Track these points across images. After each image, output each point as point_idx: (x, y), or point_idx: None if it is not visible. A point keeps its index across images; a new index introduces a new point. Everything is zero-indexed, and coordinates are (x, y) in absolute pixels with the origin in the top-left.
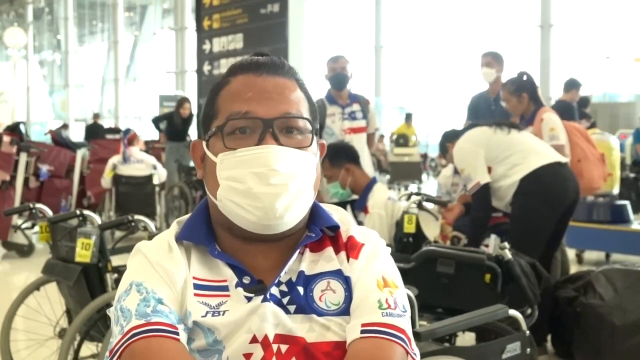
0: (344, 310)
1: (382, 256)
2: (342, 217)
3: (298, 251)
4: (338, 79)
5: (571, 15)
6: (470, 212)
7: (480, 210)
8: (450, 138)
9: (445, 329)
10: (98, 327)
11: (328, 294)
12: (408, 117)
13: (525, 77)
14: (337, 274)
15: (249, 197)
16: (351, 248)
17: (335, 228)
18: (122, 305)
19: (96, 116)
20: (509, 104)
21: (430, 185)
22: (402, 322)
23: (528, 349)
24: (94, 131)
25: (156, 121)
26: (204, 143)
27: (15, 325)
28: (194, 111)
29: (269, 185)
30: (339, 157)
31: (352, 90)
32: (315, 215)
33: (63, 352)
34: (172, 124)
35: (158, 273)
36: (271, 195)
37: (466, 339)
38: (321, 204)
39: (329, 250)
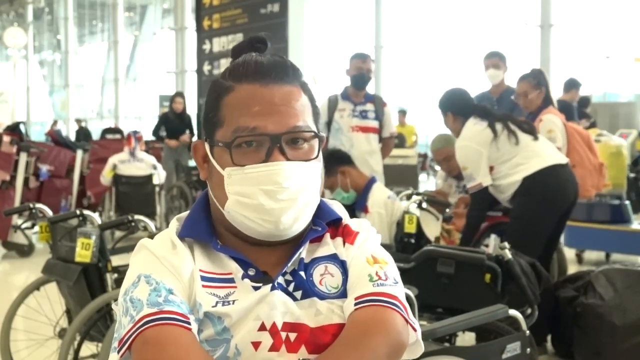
0: (343, 293)
1: (371, 239)
2: (339, 209)
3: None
4: (363, 79)
5: (571, 15)
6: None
7: (476, 210)
8: (454, 107)
9: (445, 328)
10: (98, 327)
11: (327, 278)
12: (401, 114)
13: (542, 74)
14: (333, 258)
15: (259, 212)
16: (347, 234)
17: (338, 221)
18: (131, 296)
19: (78, 121)
20: (527, 98)
21: (430, 186)
22: (394, 290)
23: (528, 349)
24: (83, 135)
25: (156, 132)
26: (206, 146)
27: (15, 325)
28: (194, 111)
29: (279, 200)
30: (329, 164)
31: (369, 91)
32: (320, 210)
33: (63, 352)
34: (168, 123)
35: (165, 266)
36: (282, 210)
37: (466, 339)
38: (321, 199)
39: (327, 237)
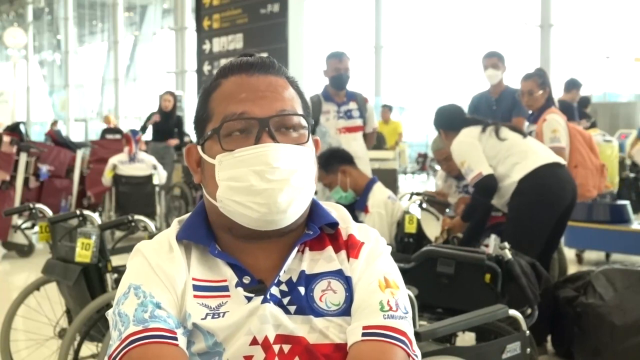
0: (345, 311)
1: (383, 255)
2: (341, 214)
3: (297, 249)
4: (341, 79)
5: (571, 15)
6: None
7: (481, 195)
8: (446, 125)
9: (445, 328)
10: (98, 327)
11: (328, 294)
12: (386, 109)
13: (546, 74)
14: (338, 274)
15: (251, 194)
16: (351, 247)
17: (334, 225)
18: (120, 309)
19: (54, 123)
20: (532, 96)
21: (430, 186)
22: (403, 325)
23: (528, 349)
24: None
25: (144, 129)
26: (199, 147)
27: (15, 325)
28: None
29: (271, 181)
30: (331, 162)
31: (349, 88)
32: (313, 212)
33: (63, 352)
34: (155, 123)
35: (157, 276)
36: (273, 190)
37: (466, 339)
38: (320, 202)
39: (329, 249)
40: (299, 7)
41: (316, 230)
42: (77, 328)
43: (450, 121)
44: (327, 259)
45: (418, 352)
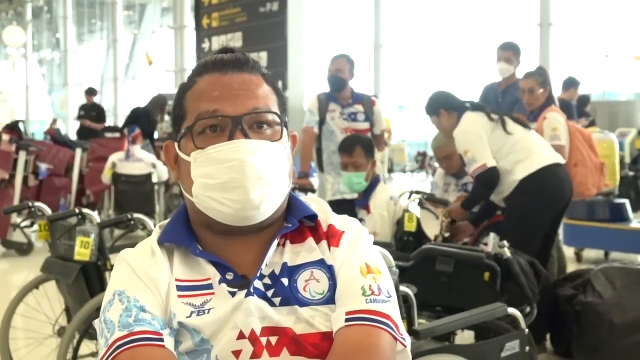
0: (329, 299)
1: (364, 243)
2: (321, 207)
3: (277, 242)
4: (332, 81)
5: (571, 14)
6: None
7: (483, 187)
8: (446, 104)
9: (444, 327)
10: None
11: (312, 284)
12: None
13: (547, 73)
14: (320, 264)
15: (224, 191)
16: (332, 236)
17: (313, 217)
18: (105, 317)
19: (54, 122)
20: (532, 95)
21: (428, 185)
22: (386, 308)
23: (527, 347)
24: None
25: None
26: (175, 145)
27: (14, 324)
28: None
29: (244, 177)
30: (371, 150)
31: (355, 90)
32: (292, 206)
33: (62, 350)
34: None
35: (141, 279)
36: (246, 187)
37: (465, 337)
38: (299, 197)
39: (310, 240)
40: (298, 6)
41: (295, 222)
42: (76, 326)
43: (449, 100)
44: (308, 250)
45: (406, 336)
